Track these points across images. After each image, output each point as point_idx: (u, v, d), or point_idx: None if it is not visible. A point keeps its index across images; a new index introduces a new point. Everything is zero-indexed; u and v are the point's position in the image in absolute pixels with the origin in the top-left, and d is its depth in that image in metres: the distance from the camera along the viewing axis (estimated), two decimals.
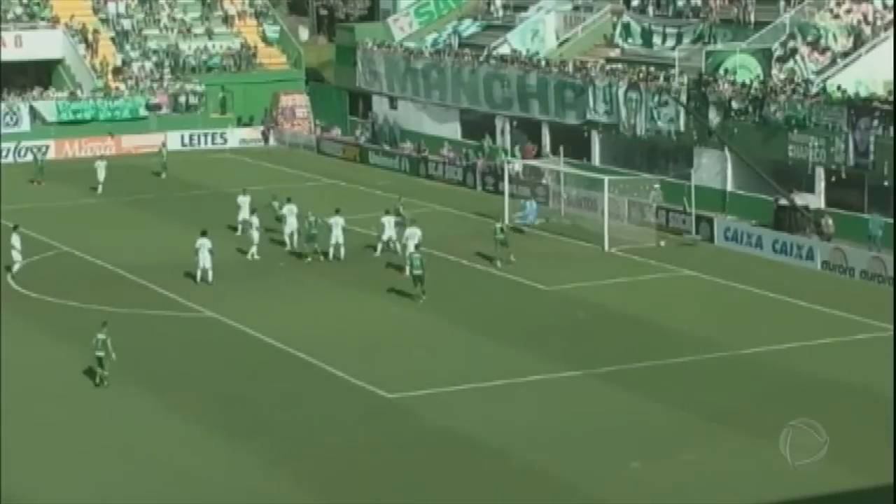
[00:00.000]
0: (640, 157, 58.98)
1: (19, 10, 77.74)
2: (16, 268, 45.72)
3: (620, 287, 44.30)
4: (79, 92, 74.40)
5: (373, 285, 43.91)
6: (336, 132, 74.45)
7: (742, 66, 55.99)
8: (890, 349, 36.24)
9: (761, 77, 55.38)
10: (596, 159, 60.81)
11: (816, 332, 38.54)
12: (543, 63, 64.62)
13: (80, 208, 58.56)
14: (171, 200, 59.69)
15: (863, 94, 51.41)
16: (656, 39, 63.17)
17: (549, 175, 57.98)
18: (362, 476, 28.68)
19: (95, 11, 79.86)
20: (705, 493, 27.65)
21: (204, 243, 44.38)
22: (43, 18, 77.77)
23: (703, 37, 60.98)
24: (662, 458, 29.22)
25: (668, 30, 62.80)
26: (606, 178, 51.54)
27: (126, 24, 79.69)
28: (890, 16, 56.41)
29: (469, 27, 73.99)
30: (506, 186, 55.93)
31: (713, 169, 55.06)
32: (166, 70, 77.55)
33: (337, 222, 47.61)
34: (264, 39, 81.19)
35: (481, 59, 67.49)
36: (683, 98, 56.13)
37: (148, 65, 77.69)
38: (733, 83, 55.06)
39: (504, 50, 68.01)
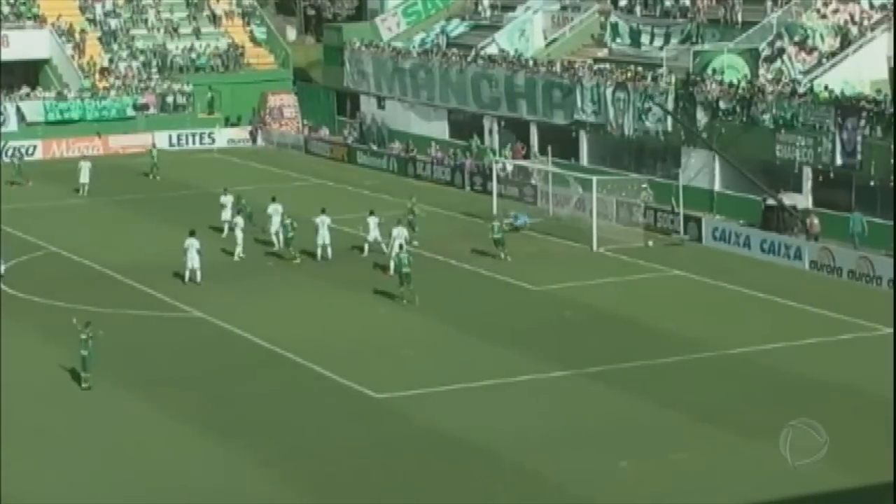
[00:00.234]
0: (628, 157, 59.05)
1: (6, 10, 77.57)
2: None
3: (609, 287, 44.33)
4: (66, 92, 74.26)
5: (361, 285, 43.90)
6: (324, 132, 74.42)
7: (729, 66, 56.07)
8: (878, 348, 36.33)
9: (749, 77, 55.46)
10: (584, 159, 60.85)
11: (804, 331, 38.61)
12: (531, 63, 64.66)
13: (67, 208, 58.44)
14: (159, 200, 59.61)
15: (850, 93, 51.50)
16: (644, 39, 63.24)
17: (538, 175, 58.00)
18: (351, 476, 28.67)
19: (82, 11, 79.73)
20: (694, 493, 27.68)
21: (192, 243, 44.36)
22: (30, 18, 77.62)
23: (690, 37, 61.07)
24: (651, 458, 29.25)
25: (656, 30, 62.87)
26: (595, 178, 51.59)
27: (113, 23, 79.56)
28: (876, 16, 56.53)
29: (457, 27, 74.02)
30: (494, 186, 55.98)
31: (701, 169, 55.14)
32: (154, 70, 77.46)
33: (323, 222, 47.59)
34: (252, 39, 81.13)
35: (469, 58, 67.51)
36: (671, 101, 56.14)
37: (135, 64, 77.58)
38: (721, 83, 55.13)
39: (492, 50, 68.03)
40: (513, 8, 71.76)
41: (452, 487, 28.05)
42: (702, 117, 55.21)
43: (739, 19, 60.23)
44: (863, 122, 49.28)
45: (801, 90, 52.58)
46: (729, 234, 49.41)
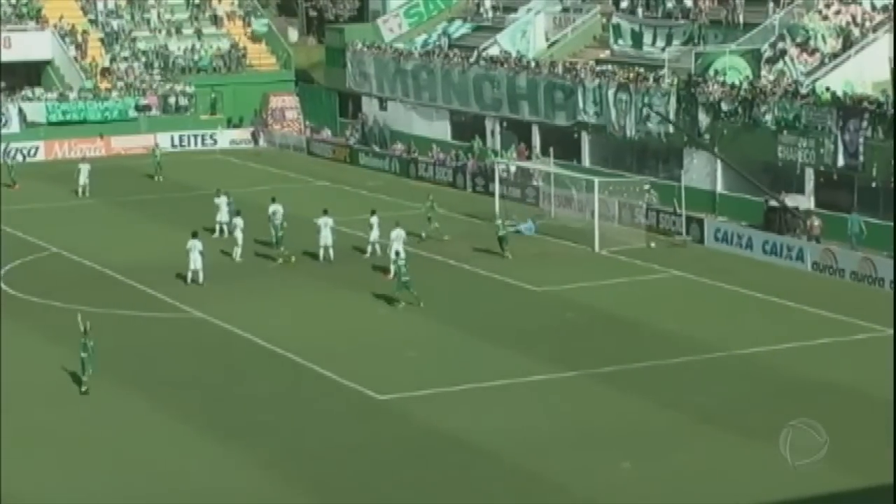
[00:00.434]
0: (630, 158, 59.05)
1: (8, 11, 77.61)
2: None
3: (611, 288, 44.33)
4: (68, 93, 74.29)
5: (363, 286, 43.88)
6: (326, 133, 74.44)
7: (731, 68, 56.07)
8: (880, 349, 36.32)
9: (751, 78, 55.45)
10: (586, 160, 60.84)
11: (806, 333, 38.59)
12: (533, 64, 64.66)
13: (70, 209, 58.43)
14: (161, 202, 59.62)
15: (852, 95, 51.47)
16: (646, 40, 63.23)
17: (539, 176, 58.00)
18: (353, 477, 28.67)
19: (85, 12, 79.78)
20: (696, 494, 27.67)
21: (195, 244, 44.37)
22: (32, 19, 77.64)
23: (692, 38, 61.06)
24: (653, 459, 29.24)
25: (658, 31, 62.86)
26: (597, 180, 51.56)
27: (115, 24, 79.60)
28: (878, 17, 56.52)
29: (459, 28, 74.02)
30: (496, 187, 55.96)
31: (703, 170, 55.13)
32: (156, 71, 77.48)
33: (326, 223, 47.58)
34: (252, 36, 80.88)
35: (471, 60, 67.51)
36: (673, 102, 56.11)
37: (137, 66, 77.61)
38: (723, 84, 55.12)
39: (494, 51, 68.03)
40: (514, 9, 71.75)
41: (454, 489, 28.04)
42: (704, 118, 55.19)
43: (741, 20, 60.23)
44: (865, 124, 49.26)
45: (803, 91, 52.56)
46: (731, 235, 49.40)
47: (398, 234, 45.38)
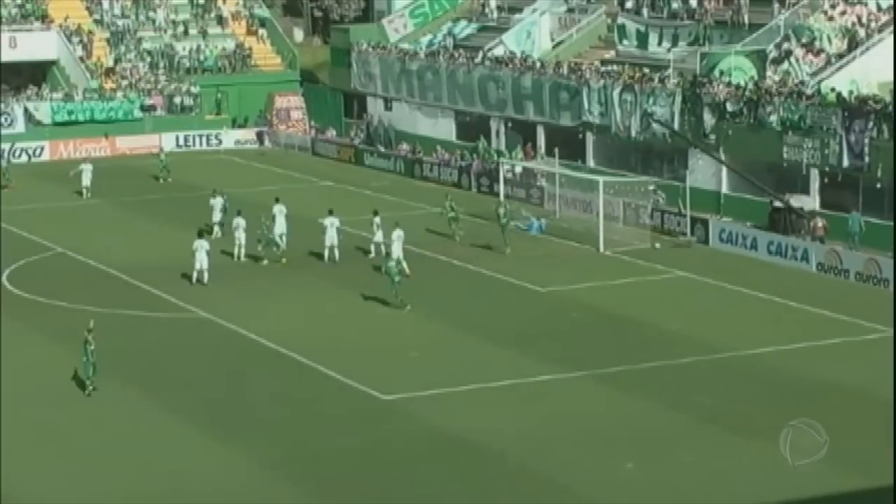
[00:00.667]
0: (635, 159, 59.03)
1: (14, 11, 77.70)
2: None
3: (616, 288, 44.30)
4: (74, 93, 74.34)
5: (367, 286, 43.86)
6: (331, 133, 74.46)
7: (737, 68, 56.05)
8: (884, 350, 36.28)
9: (756, 79, 55.42)
10: (590, 161, 60.83)
11: (811, 333, 38.55)
12: (538, 64, 64.65)
13: (75, 209, 58.50)
14: (167, 202, 59.65)
15: (857, 95, 51.43)
16: (651, 41, 63.21)
17: (543, 176, 57.99)
18: (357, 477, 28.66)
19: (90, 12, 79.85)
20: (700, 494, 27.65)
21: (202, 244, 44.35)
22: (37, 19, 77.71)
23: (698, 39, 61.02)
24: (657, 460, 29.22)
25: (664, 31, 62.84)
26: (601, 180, 51.52)
27: (121, 24, 79.66)
28: (884, 18, 56.46)
29: (464, 28, 74.02)
30: (501, 188, 55.94)
31: (708, 171, 55.09)
32: (161, 71, 77.53)
33: (332, 223, 47.58)
34: (259, 40, 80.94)
35: (476, 60, 67.51)
36: (678, 103, 56.08)
37: (143, 66, 77.66)
38: (728, 85, 55.09)
39: (499, 51, 68.02)
40: (520, 9, 71.74)
41: (458, 489, 28.03)
42: (709, 119, 55.16)
43: (747, 21, 60.20)
44: (870, 125, 49.22)
45: (808, 92, 52.52)
46: (736, 235, 49.35)
47: (399, 235, 45.34)
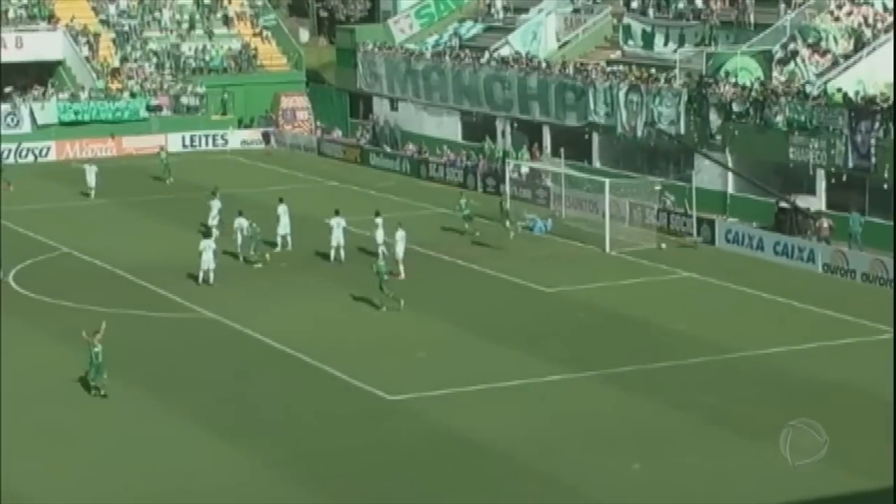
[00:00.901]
0: (641, 159, 58.99)
1: (20, 12, 77.77)
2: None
3: (621, 289, 44.29)
4: (80, 93, 74.40)
5: (373, 287, 43.81)
6: (337, 134, 74.48)
7: (743, 69, 56.00)
8: (890, 350, 36.22)
9: (762, 79, 55.37)
10: (596, 161, 60.81)
11: (817, 334, 38.51)
12: (544, 65, 64.63)
13: (81, 210, 58.54)
14: (172, 202, 59.68)
15: (863, 96, 51.39)
16: (657, 41, 63.17)
17: (549, 177, 57.96)
18: (362, 477, 28.67)
19: (96, 12, 79.90)
20: (707, 495, 27.63)
21: (209, 244, 44.37)
22: (43, 19, 77.77)
23: (704, 39, 60.98)
24: (664, 460, 29.21)
25: (670, 31, 62.81)
26: (607, 181, 51.49)
27: (127, 24, 79.71)
28: (890, 18, 56.38)
29: (470, 29, 74.01)
30: (507, 188, 55.91)
31: (714, 171, 55.03)
32: (167, 71, 77.57)
33: (339, 223, 47.58)
34: (262, 31, 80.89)
35: (482, 60, 67.49)
36: (683, 103, 56.06)
37: (149, 66, 77.71)
38: (734, 85, 55.05)
39: (505, 51, 68.01)
40: (526, 10, 71.72)
41: (464, 489, 28.03)
42: (715, 119, 55.14)
43: (752, 21, 60.15)
44: (876, 125, 49.19)
45: (814, 92, 52.47)
46: (742, 236, 49.32)
47: (402, 236, 45.33)
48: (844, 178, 50.47)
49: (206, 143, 74.61)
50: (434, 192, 60.67)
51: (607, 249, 49.14)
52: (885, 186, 49.00)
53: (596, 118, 60.63)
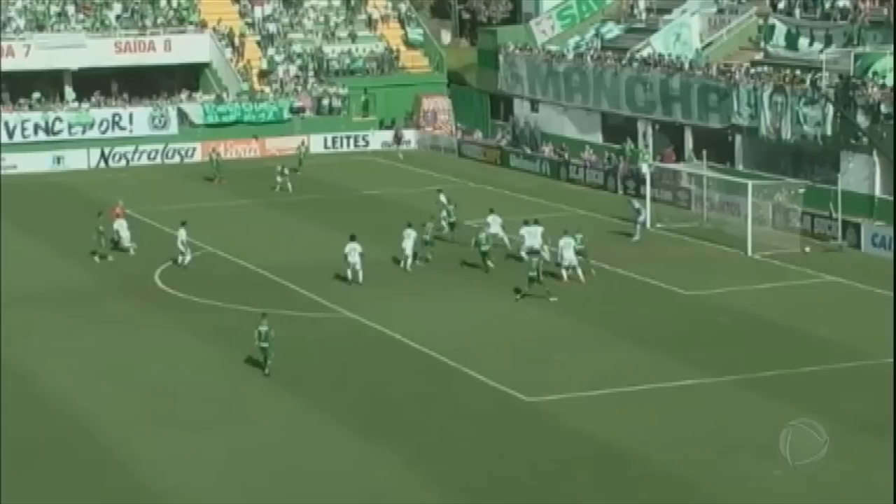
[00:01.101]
0: (785, 162, 58.09)
1: (169, 15, 79.35)
2: (186, 260, 47.27)
3: (763, 293, 43.67)
4: (225, 95, 75.64)
5: (513, 289, 43.82)
6: (477, 135, 74.62)
7: (892, 69, 54.81)
8: None
9: None
10: (739, 163, 60.05)
11: None
12: (687, 66, 64.00)
13: (224, 210, 59.42)
14: (314, 202, 60.29)
15: None
16: (802, 41, 62.16)
17: (691, 179, 57.35)
18: (499, 479, 28.65)
19: (242, 15, 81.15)
20: (853, 503, 27.16)
21: (354, 248, 44.59)
22: (191, 23, 79.23)
23: (851, 39, 59.84)
24: (805, 468, 28.66)
25: (816, 32, 61.78)
26: (750, 183, 50.78)
27: (271, 27, 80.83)
28: None
29: (611, 30, 73.60)
30: (647, 190, 55.47)
31: (861, 173, 53.99)
32: (310, 73, 78.47)
33: (495, 220, 48.19)
34: (406, 42, 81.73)
35: (624, 62, 67.08)
36: (830, 106, 55.10)
37: (292, 68, 78.69)
38: (882, 87, 53.94)
39: (647, 53, 67.50)
40: (668, 11, 71.12)
41: (601, 493, 27.88)
42: (862, 121, 54.06)
43: None
44: None
45: None
46: (889, 240, 48.29)
47: (567, 242, 44.94)
48: None
49: (348, 145, 75.33)
50: (576, 195, 60.44)
51: (749, 252, 48.48)
52: None
53: (739, 120, 59.87)
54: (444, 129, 76.24)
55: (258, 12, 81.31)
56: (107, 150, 71.66)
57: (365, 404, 33.49)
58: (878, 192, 53.80)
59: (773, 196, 51.54)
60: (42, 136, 71.60)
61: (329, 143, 74.90)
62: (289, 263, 47.73)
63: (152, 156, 72.04)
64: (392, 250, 47.68)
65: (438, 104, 77.42)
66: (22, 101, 73.18)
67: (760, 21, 65.87)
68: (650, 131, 65.23)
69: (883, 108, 53.38)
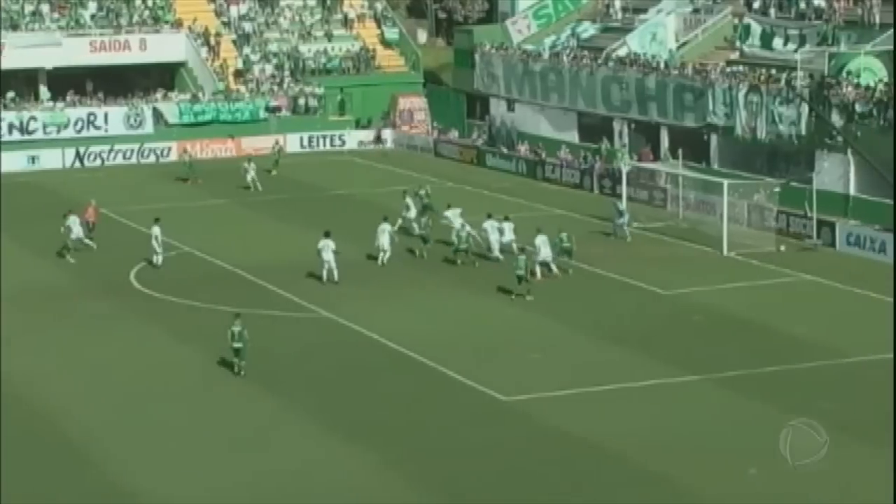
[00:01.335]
0: (760, 161, 58.25)
1: (144, 14, 79.11)
2: (158, 260, 46.98)
3: (739, 291, 43.79)
4: (200, 94, 75.45)
5: (490, 288, 43.85)
6: (453, 134, 74.63)
7: (866, 69, 55.05)
8: None
9: (886, 80, 54.37)
10: (714, 163, 60.20)
11: None
12: (662, 65, 64.12)
13: (200, 209, 59.28)
14: (290, 202, 60.21)
15: None
16: (777, 41, 62.36)
17: (667, 178, 57.46)
18: (476, 477, 28.65)
19: (218, 15, 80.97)
20: (826, 501, 27.18)
21: (327, 244, 44.61)
22: (167, 22, 79.01)
23: (826, 39, 60.05)
24: (781, 465, 28.76)
25: (790, 31, 61.98)
26: (726, 182, 50.91)
27: (247, 27, 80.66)
28: None
29: (587, 29, 73.70)
30: (623, 189, 55.54)
31: (835, 172, 54.18)
32: (286, 72, 78.34)
33: (454, 214, 48.22)
34: (383, 42, 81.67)
35: (600, 61, 67.17)
36: (805, 105, 55.26)
37: (268, 67, 78.54)
38: (857, 86, 54.14)
39: (623, 52, 67.61)
40: (644, 10, 71.24)
41: (578, 491, 27.91)
42: (837, 120, 54.25)
43: (877, 21, 59.09)
44: None
45: None
46: (864, 239, 48.48)
47: (543, 240, 44.95)
48: None
49: (324, 144, 75.26)
50: (552, 194, 60.50)
51: (725, 252, 48.61)
52: None
53: (715, 119, 60.02)
54: (420, 129, 76.23)
55: (234, 11, 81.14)
56: (82, 150, 71.44)
57: (342, 404, 33.45)
58: (852, 191, 54.01)
59: (749, 195, 51.70)
60: (17, 136, 71.30)
61: (305, 143, 74.81)
62: (265, 263, 47.65)
63: (128, 155, 71.85)
64: (368, 249, 47.67)
65: (414, 103, 77.40)
66: None
67: (736, 21, 66.04)
68: (626, 131, 65.34)
69: (858, 108, 53.57)
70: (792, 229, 50.95)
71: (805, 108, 55.36)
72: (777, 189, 52.30)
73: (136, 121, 73.19)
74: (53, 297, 43.83)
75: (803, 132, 55.69)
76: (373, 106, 77.11)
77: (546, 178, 64.28)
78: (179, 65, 77.94)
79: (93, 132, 72.31)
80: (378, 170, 68.62)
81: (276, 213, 57.73)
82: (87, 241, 49.52)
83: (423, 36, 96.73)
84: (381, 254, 47.01)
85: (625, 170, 56.76)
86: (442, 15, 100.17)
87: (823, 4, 61.83)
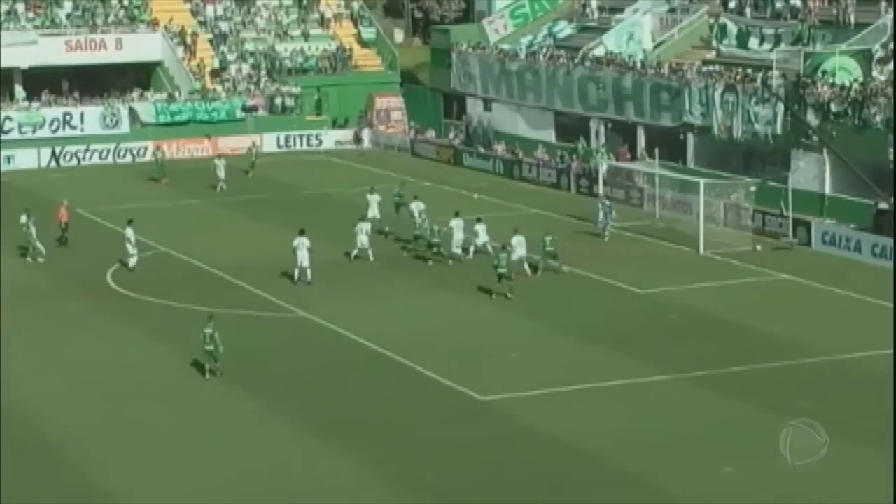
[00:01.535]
0: (736, 160, 58.44)
1: (120, 13, 78.89)
2: (132, 262, 46.63)
3: (715, 291, 43.92)
4: (177, 94, 75.28)
5: (467, 287, 43.89)
6: (430, 134, 74.63)
7: (841, 68, 55.28)
8: None
9: (861, 79, 54.60)
10: (691, 162, 60.36)
11: None
12: (639, 65, 64.26)
13: (176, 209, 59.18)
14: (266, 201, 60.14)
15: None
16: (753, 41, 62.56)
17: (644, 177, 57.59)
18: (454, 477, 28.67)
19: (194, 14, 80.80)
20: (801, 498, 27.29)
21: (302, 242, 44.59)
22: (143, 21, 78.81)
23: (801, 38, 60.27)
24: (757, 463, 28.88)
25: (766, 31, 62.20)
26: (702, 181, 51.06)
27: (224, 26, 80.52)
28: None
29: (564, 29, 73.79)
30: (600, 188, 55.65)
31: (811, 172, 54.40)
32: (263, 72, 78.23)
33: (417, 206, 48.47)
34: (360, 41, 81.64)
35: (576, 61, 67.26)
36: (781, 104, 55.44)
37: (245, 67, 78.42)
38: (832, 85, 54.36)
39: (599, 52, 67.72)
40: (621, 10, 71.36)
41: (555, 490, 27.95)
42: (812, 120, 54.45)
43: (852, 20, 59.35)
44: None
45: None
46: (839, 238, 48.68)
47: (520, 241, 44.96)
48: None
49: (301, 144, 75.18)
50: (529, 193, 60.56)
51: (701, 251, 48.75)
52: None
53: (691, 119, 60.18)
54: (397, 129, 76.20)
55: (210, 11, 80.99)
56: (57, 150, 71.22)
57: (320, 404, 33.44)
58: (828, 190, 54.24)
59: (725, 194, 51.85)
60: None
61: (282, 143, 74.71)
62: (242, 263, 47.58)
63: (104, 155, 71.64)
64: (346, 247, 47.68)
65: (392, 103, 77.37)
66: None
67: (712, 20, 66.22)
68: (603, 130, 65.45)
69: (833, 107, 53.77)
70: (768, 228, 51.12)
71: (781, 108, 55.58)
72: (753, 188, 52.50)
73: (112, 120, 72.98)
74: (29, 298, 43.69)
75: (779, 132, 55.89)
76: (350, 105, 77.06)
77: (523, 178, 64.34)
78: (155, 64, 77.74)
79: (68, 132, 72.10)
80: (355, 169, 68.59)
81: (252, 212, 57.66)
82: (38, 244, 48.83)
83: (399, 35, 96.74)
84: (367, 251, 46.96)
85: (603, 169, 56.88)
86: (418, 14, 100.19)
87: (799, 4, 62.06)
